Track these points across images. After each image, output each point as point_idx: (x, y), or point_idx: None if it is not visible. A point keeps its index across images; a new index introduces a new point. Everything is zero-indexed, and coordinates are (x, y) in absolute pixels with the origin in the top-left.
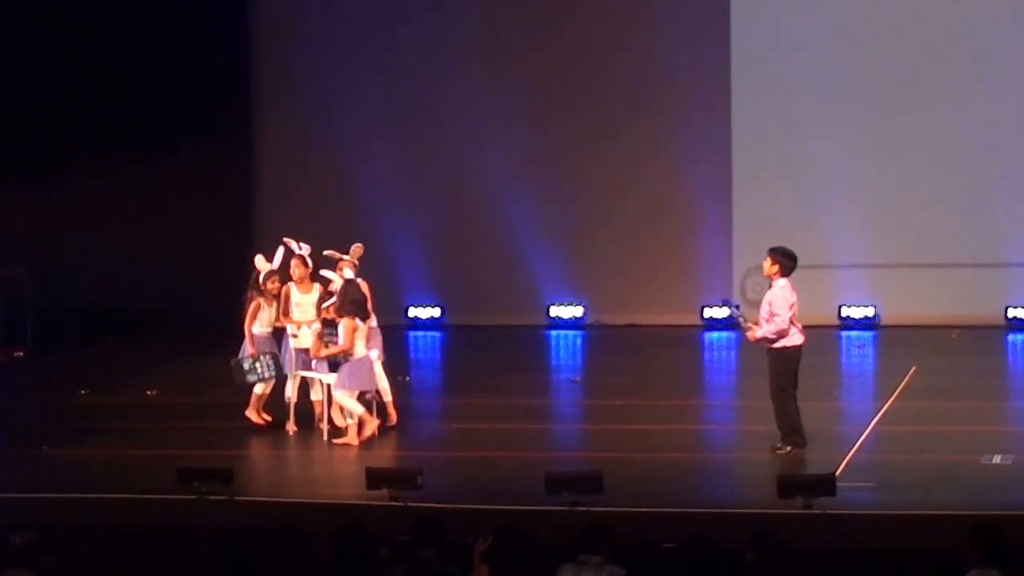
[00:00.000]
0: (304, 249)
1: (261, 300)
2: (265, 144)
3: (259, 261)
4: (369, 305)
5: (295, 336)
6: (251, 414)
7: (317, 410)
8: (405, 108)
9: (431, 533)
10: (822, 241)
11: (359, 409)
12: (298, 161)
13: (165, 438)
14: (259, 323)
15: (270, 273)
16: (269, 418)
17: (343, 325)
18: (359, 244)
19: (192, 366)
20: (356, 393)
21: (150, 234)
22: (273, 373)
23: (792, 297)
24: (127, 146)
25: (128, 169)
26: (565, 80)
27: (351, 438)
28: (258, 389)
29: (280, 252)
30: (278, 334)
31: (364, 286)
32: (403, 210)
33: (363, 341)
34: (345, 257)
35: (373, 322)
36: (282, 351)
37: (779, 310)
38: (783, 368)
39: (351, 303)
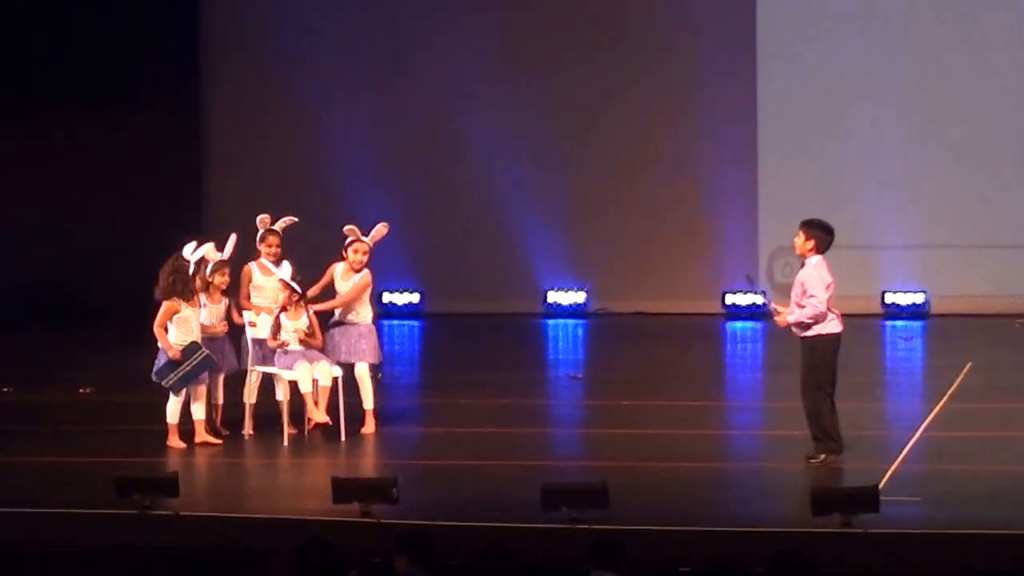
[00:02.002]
0: (280, 224)
1: (180, 304)
2: (216, 104)
3: (193, 251)
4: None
5: (253, 325)
6: (173, 442)
7: (283, 412)
8: (379, 61)
9: (419, 551)
10: (862, 218)
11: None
12: (254, 124)
13: (101, 443)
14: (181, 327)
15: (220, 264)
16: (226, 433)
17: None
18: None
19: (132, 359)
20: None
21: (83, 209)
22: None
23: (829, 277)
24: (59, 107)
25: (59, 133)
26: (568, 34)
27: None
28: (197, 413)
29: (231, 241)
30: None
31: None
32: (376, 180)
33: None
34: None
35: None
36: (240, 344)
37: (815, 291)
38: (819, 360)
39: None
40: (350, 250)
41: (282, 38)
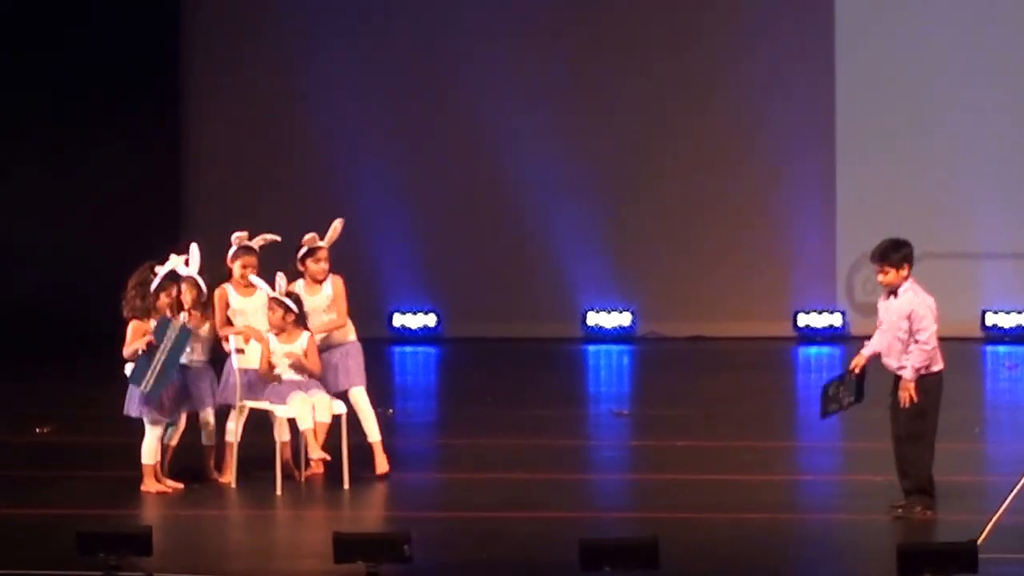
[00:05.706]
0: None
1: (146, 323)
2: (198, 104)
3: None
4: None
5: (240, 352)
6: (149, 486)
7: (282, 454)
8: (389, 46)
9: None
10: (959, 224)
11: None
12: (243, 123)
13: (61, 492)
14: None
15: (187, 280)
16: (179, 485)
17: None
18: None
19: (96, 394)
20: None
21: (45, 220)
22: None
23: (932, 300)
24: (21, 111)
25: (21, 143)
26: (617, 36)
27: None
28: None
29: (193, 253)
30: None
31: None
32: (386, 187)
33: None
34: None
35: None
36: (224, 375)
37: (925, 323)
38: (930, 404)
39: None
40: (310, 260)
41: (278, 29)
